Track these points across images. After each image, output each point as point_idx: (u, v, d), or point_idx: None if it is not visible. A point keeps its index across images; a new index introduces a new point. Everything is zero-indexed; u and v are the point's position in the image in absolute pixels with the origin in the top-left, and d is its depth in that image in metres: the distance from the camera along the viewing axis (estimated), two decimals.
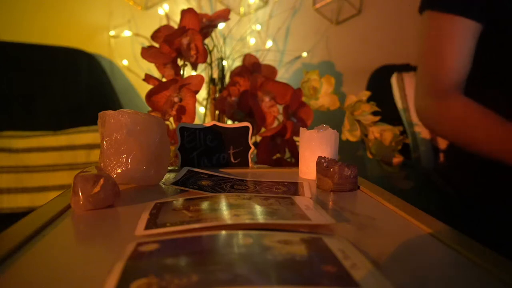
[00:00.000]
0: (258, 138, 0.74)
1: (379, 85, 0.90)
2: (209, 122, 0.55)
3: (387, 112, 0.83)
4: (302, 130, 0.50)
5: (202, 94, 1.13)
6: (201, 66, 0.98)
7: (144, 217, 0.31)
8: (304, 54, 1.29)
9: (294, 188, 0.44)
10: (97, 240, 0.29)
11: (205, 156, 0.55)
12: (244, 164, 0.56)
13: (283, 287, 0.19)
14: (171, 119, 0.66)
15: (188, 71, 0.73)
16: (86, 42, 1.19)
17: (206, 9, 1.23)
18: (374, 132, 0.74)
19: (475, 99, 0.72)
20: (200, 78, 0.62)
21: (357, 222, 0.33)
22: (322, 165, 0.43)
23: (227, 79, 0.94)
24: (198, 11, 0.73)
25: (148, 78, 0.66)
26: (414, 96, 0.78)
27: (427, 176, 0.82)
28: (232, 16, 1.19)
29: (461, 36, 0.69)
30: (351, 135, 0.75)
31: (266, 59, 1.25)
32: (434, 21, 0.72)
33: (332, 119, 0.81)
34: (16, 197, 0.88)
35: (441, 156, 0.92)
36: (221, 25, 1.14)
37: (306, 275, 0.21)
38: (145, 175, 0.42)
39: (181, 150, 0.54)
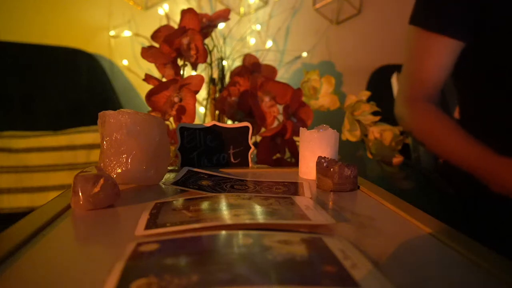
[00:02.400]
0: (258, 138, 0.74)
1: (379, 85, 0.91)
2: (209, 122, 0.55)
3: (387, 112, 0.83)
4: (302, 130, 0.50)
5: (202, 94, 1.14)
6: (201, 66, 0.98)
7: (144, 217, 0.31)
8: (304, 54, 1.29)
9: (294, 188, 0.44)
10: (97, 240, 0.29)
11: (205, 156, 0.55)
12: (244, 164, 0.56)
13: (283, 287, 0.19)
14: (171, 119, 0.66)
15: (188, 71, 0.73)
16: (86, 42, 1.19)
17: (206, 9, 1.23)
18: (374, 132, 0.74)
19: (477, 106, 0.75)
20: (200, 78, 0.62)
21: (357, 222, 0.33)
22: (322, 165, 0.43)
23: (227, 79, 0.94)
24: (198, 11, 0.73)
25: (148, 78, 0.66)
26: (395, 101, 0.83)
27: (427, 176, 0.82)
28: (232, 16, 1.19)
29: (441, 53, 0.74)
30: (351, 135, 0.75)
31: (266, 59, 1.25)
32: (418, 36, 0.76)
33: (332, 119, 0.81)
34: (16, 197, 0.88)
35: None
36: (221, 25, 1.15)
37: (306, 275, 0.21)
38: (145, 175, 0.42)
39: (181, 150, 0.54)
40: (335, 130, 0.49)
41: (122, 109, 0.42)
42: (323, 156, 0.45)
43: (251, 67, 0.79)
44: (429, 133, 0.75)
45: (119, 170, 0.41)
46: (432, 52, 0.74)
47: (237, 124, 0.56)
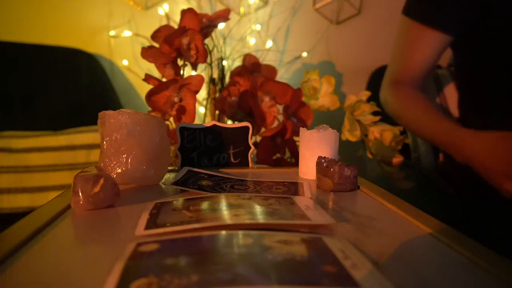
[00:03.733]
0: (258, 138, 0.74)
1: (379, 85, 0.91)
2: (209, 122, 0.55)
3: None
4: (302, 130, 0.50)
5: (202, 94, 1.13)
6: (201, 66, 0.98)
7: (144, 217, 0.31)
8: (304, 54, 1.29)
9: (294, 188, 0.43)
10: (97, 240, 0.29)
11: (205, 156, 0.55)
12: (244, 164, 0.56)
13: (283, 287, 0.19)
14: (171, 119, 0.66)
15: (188, 71, 0.73)
16: (86, 42, 1.19)
17: (206, 9, 1.23)
18: (374, 132, 0.74)
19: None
20: (200, 78, 0.62)
21: (357, 222, 0.33)
22: (322, 165, 0.43)
23: (227, 79, 0.94)
24: (198, 11, 0.73)
25: (148, 78, 0.66)
26: (381, 85, 0.87)
27: (427, 176, 0.82)
28: (232, 16, 1.19)
29: (427, 44, 0.77)
30: (351, 135, 0.75)
31: (266, 59, 1.25)
32: (408, 26, 0.79)
33: (332, 119, 0.81)
34: (16, 197, 0.88)
35: (441, 156, 0.92)
36: (221, 25, 1.14)
37: (306, 275, 0.21)
38: (145, 175, 0.42)
39: (181, 150, 0.54)
40: (335, 130, 0.49)
41: (122, 109, 0.42)
42: (323, 156, 0.45)
43: (251, 67, 0.79)
44: (406, 113, 0.78)
45: (119, 170, 0.41)
46: (419, 43, 0.77)
47: (237, 124, 0.56)
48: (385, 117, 0.78)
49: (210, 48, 0.83)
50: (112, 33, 1.21)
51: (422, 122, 0.75)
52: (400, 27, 0.82)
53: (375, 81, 1.14)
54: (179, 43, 0.66)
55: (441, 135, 0.70)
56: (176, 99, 0.61)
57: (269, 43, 1.26)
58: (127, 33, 1.21)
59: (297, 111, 0.71)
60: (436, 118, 0.72)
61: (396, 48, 0.83)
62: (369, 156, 0.78)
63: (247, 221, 0.29)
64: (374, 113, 0.74)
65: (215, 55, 0.92)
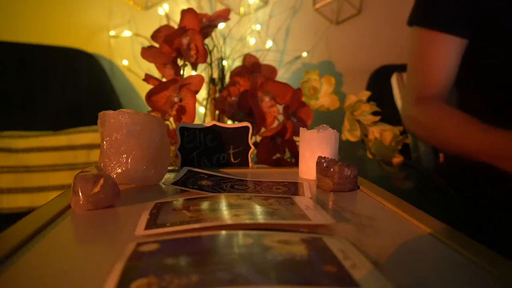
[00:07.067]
0: (258, 138, 0.74)
1: (379, 85, 0.91)
2: (209, 122, 0.55)
3: (387, 112, 0.83)
4: (302, 130, 0.50)
5: (202, 94, 1.13)
6: (201, 66, 0.98)
7: (144, 217, 0.31)
8: (304, 54, 1.29)
9: (294, 188, 0.43)
10: (97, 240, 0.29)
11: (205, 156, 0.55)
12: (244, 164, 0.56)
13: (283, 287, 0.19)
14: (171, 119, 0.66)
15: (188, 71, 0.73)
16: (86, 42, 1.19)
17: (206, 9, 1.23)
18: (374, 132, 0.74)
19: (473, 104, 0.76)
20: (200, 78, 0.62)
21: (357, 222, 0.33)
22: (322, 165, 0.43)
23: (227, 79, 0.94)
24: (198, 11, 0.73)
25: (148, 78, 0.66)
26: (402, 104, 0.83)
27: (427, 176, 0.82)
28: (232, 16, 1.19)
29: (444, 52, 0.73)
30: (351, 135, 0.75)
31: (266, 59, 1.25)
32: (420, 36, 0.76)
33: (332, 119, 0.81)
34: (16, 197, 0.88)
35: (441, 156, 0.92)
36: (221, 25, 1.14)
37: (306, 275, 0.21)
38: (145, 175, 0.42)
39: (181, 150, 0.54)
40: (335, 130, 0.49)
41: (122, 109, 0.42)
42: (323, 156, 0.45)
43: (251, 67, 0.79)
44: (443, 131, 0.72)
45: (119, 170, 0.41)
46: (437, 52, 0.73)
47: (237, 124, 0.56)
48: (385, 117, 0.78)
49: (210, 48, 0.83)
50: (112, 33, 1.21)
51: (466, 136, 0.68)
52: (412, 41, 0.78)
53: (375, 81, 1.15)
54: (179, 43, 0.66)
55: (493, 145, 0.64)
56: (176, 99, 0.61)
57: (269, 43, 1.26)
58: (127, 33, 1.21)
59: (297, 111, 0.71)
60: (484, 128, 0.66)
61: (412, 63, 0.79)
62: (369, 156, 0.78)
63: (247, 221, 0.29)
64: (374, 113, 0.74)
65: (215, 55, 0.92)
